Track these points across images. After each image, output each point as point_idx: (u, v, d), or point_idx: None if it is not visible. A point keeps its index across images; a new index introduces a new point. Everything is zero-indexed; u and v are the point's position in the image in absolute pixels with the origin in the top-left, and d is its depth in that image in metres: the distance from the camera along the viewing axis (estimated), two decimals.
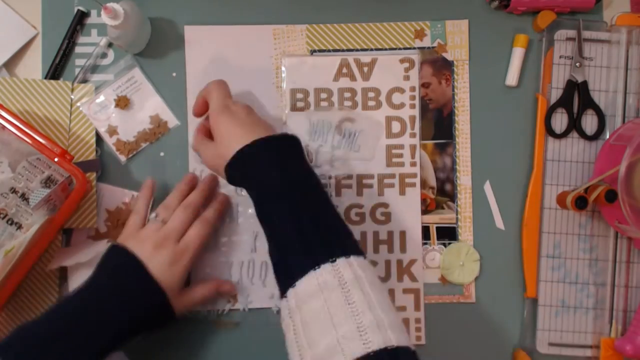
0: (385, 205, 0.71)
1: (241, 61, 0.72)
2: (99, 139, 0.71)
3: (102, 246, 0.67)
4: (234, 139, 0.59)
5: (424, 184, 0.72)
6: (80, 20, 0.71)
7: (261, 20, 0.72)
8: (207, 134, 0.66)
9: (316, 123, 0.72)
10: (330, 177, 0.71)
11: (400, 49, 0.73)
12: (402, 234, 0.71)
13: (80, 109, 0.70)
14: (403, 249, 0.71)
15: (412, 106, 0.72)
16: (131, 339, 0.59)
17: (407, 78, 0.72)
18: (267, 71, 0.72)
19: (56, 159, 0.63)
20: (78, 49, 0.72)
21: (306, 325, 0.50)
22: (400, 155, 0.72)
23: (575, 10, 0.72)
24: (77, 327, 0.55)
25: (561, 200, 0.69)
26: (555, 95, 0.71)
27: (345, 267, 0.51)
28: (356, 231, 0.71)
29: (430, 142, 0.72)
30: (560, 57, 0.71)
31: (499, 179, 0.72)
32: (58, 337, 0.54)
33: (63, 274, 0.69)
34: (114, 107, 0.71)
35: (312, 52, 0.73)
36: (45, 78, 0.70)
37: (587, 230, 0.71)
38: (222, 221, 0.70)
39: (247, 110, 0.63)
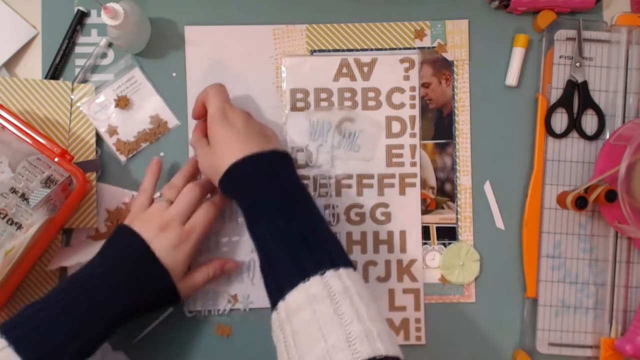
0: (385, 205, 0.71)
1: (241, 61, 0.72)
2: (99, 139, 0.71)
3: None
4: (227, 151, 0.60)
5: (424, 184, 0.72)
6: (80, 20, 0.71)
7: (261, 20, 0.72)
8: (205, 133, 0.66)
9: (316, 123, 0.72)
10: (330, 177, 0.71)
11: (400, 49, 0.73)
12: (402, 234, 0.71)
13: (80, 109, 0.70)
14: (403, 249, 0.71)
15: (412, 106, 0.72)
16: (135, 317, 0.60)
17: (407, 78, 0.72)
18: (267, 71, 0.72)
19: (56, 159, 0.63)
20: (78, 49, 0.72)
21: (296, 336, 0.50)
22: (400, 155, 0.72)
23: (575, 10, 0.72)
24: (80, 305, 0.55)
25: (561, 200, 0.69)
26: (555, 95, 0.71)
27: (334, 279, 0.52)
28: (356, 231, 0.71)
29: (430, 142, 0.72)
30: (560, 57, 0.71)
31: (499, 179, 0.72)
32: (61, 316, 0.54)
33: (63, 274, 0.69)
34: (114, 107, 0.71)
35: (312, 52, 0.73)
36: (45, 78, 0.70)
37: (587, 230, 0.71)
38: (226, 209, 0.70)
39: (244, 118, 0.63)
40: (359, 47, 0.73)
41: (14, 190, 0.66)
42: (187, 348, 0.69)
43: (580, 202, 0.65)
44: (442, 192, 0.72)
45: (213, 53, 0.72)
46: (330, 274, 0.52)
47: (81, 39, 0.72)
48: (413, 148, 0.72)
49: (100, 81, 0.71)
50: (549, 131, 0.71)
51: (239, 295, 0.70)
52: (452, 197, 0.72)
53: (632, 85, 0.71)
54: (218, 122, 0.62)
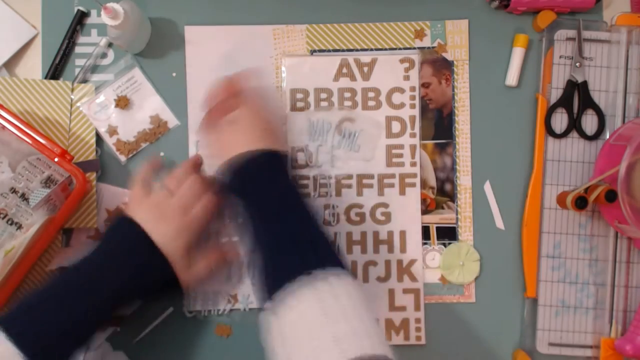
0: (385, 205, 0.71)
1: (241, 61, 0.72)
2: (99, 139, 0.71)
3: None
4: (241, 139, 0.61)
5: (424, 184, 0.72)
6: (80, 20, 0.71)
7: (261, 20, 0.72)
8: (220, 117, 0.65)
9: (316, 123, 0.72)
10: (330, 177, 0.71)
11: (400, 49, 0.73)
12: (402, 234, 0.71)
13: (80, 109, 0.70)
14: (403, 249, 0.71)
15: (412, 106, 0.72)
16: (135, 301, 0.62)
17: (407, 78, 0.72)
18: (267, 71, 0.72)
19: (56, 159, 0.63)
20: (78, 49, 0.72)
21: (285, 338, 0.51)
22: (400, 155, 0.72)
23: (575, 10, 0.72)
24: (79, 296, 0.56)
25: (561, 200, 0.69)
26: (555, 95, 0.71)
27: (321, 279, 0.52)
28: (356, 231, 0.71)
29: (430, 142, 0.72)
30: (560, 57, 0.71)
31: (499, 179, 0.72)
32: (60, 307, 0.55)
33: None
34: (114, 107, 0.71)
35: (312, 52, 0.73)
36: (45, 78, 0.70)
37: (587, 230, 0.71)
38: (227, 209, 0.69)
39: (262, 110, 0.64)
40: (359, 47, 0.73)
41: (14, 190, 0.66)
42: (187, 348, 0.69)
43: (580, 202, 0.65)
44: (442, 192, 0.72)
45: (213, 53, 0.72)
46: (317, 274, 0.52)
47: (81, 39, 0.72)
48: (413, 148, 0.72)
49: (100, 81, 0.71)
50: (549, 131, 0.71)
51: (239, 295, 0.70)
52: (452, 197, 0.72)
53: (632, 85, 0.71)
54: (250, 109, 0.63)
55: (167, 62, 0.72)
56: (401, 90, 0.72)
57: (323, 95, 0.72)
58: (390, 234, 0.71)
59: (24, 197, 0.66)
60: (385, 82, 0.72)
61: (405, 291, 0.71)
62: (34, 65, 0.71)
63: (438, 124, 0.73)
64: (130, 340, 0.68)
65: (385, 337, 0.51)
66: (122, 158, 0.71)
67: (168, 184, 0.64)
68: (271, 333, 0.52)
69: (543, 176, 0.71)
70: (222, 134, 0.63)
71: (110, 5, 0.62)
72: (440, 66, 0.73)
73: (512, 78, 0.72)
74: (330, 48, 0.73)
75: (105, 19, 0.63)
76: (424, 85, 0.73)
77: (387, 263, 0.71)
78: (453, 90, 0.73)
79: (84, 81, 0.71)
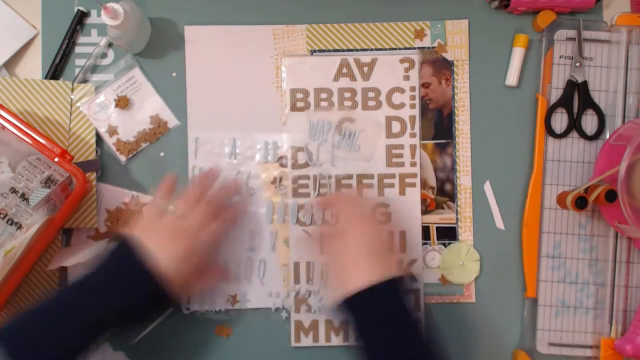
0: (385, 205, 0.71)
1: (241, 61, 0.72)
2: (99, 139, 0.71)
3: (102, 246, 0.67)
4: (353, 272, 0.59)
5: (424, 184, 0.72)
6: (80, 20, 0.71)
7: (261, 20, 0.72)
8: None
9: (316, 123, 0.72)
10: (330, 177, 0.71)
11: (400, 49, 0.73)
12: (402, 234, 0.71)
13: (80, 109, 0.70)
14: (403, 249, 0.71)
15: (412, 106, 0.72)
16: (132, 324, 0.61)
17: (407, 78, 0.72)
18: (267, 71, 0.72)
19: (56, 159, 0.63)
20: (78, 49, 0.72)
21: None
22: (400, 155, 0.72)
23: (575, 10, 0.72)
24: (77, 314, 0.56)
25: (561, 200, 0.69)
26: (555, 95, 0.71)
27: None
28: None
29: (430, 142, 0.72)
30: (560, 57, 0.71)
31: (499, 179, 0.72)
32: (57, 325, 0.55)
33: (63, 274, 0.69)
34: (114, 107, 0.71)
35: (312, 52, 0.73)
36: (45, 78, 0.70)
37: (587, 230, 0.71)
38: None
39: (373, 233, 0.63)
40: (359, 47, 0.73)
41: (14, 190, 0.66)
42: (186, 348, 0.69)
43: (580, 202, 0.65)
44: (442, 192, 0.72)
45: (213, 53, 0.72)
46: None
47: (81, 39, 0.72)
48: (413, 148, 0.72)
49: (100, 81, 0.71)
50: (549, 131, 0.71)
51: (239, 294, 0.70)
52: (452, 197, 0.72)
53: (632, 85, 0.71)
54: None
55: (167, 62, 0.72)
56: (401, 90, 0.72)
57: (323, 95, 0.72)
58: (390, 234, 0.71)
59: (24, 197, 0.66)
60: (385, 82, 0.72)
61: None
62: (34, 65, 0.72)
63: (438, 124, 0.73)
64: (130, 340, 0.68)
65: None
66: (122, 158, 0.71)
67: (180, 207, 0.63)
68: None
69: (543, 176, 0.71)
70: (333, 258, 0.63)
71: (110, 5, 0.62)
72: (440, 66, 0.73)
73: (512, 78, 0.72)
74: (330, 48, 0.73)
75: (105, 19, 0.63)
76: (424, 85, 0.73)
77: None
78: (453, 90, 0.73)
79: (84, 81, 0.71)
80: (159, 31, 0.72)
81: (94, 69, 0.72)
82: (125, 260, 0.59)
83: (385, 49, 0.73)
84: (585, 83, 0.71)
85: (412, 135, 0.72)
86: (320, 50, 0.73)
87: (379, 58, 0.72)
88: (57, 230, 0.65)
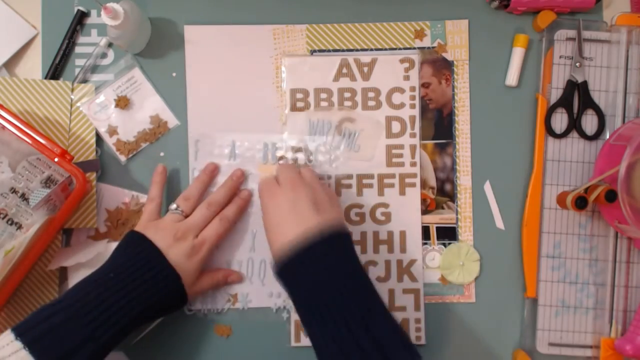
0: (385, 205, 0.71)
1: (241, 61, 0.72)
2: (99, 139, 0.71)
3: (102, 246, 0.67)
4: (279, 232, 0.58)
5: (424, 184, 0.72)
6: (80, 20, 0.71)
7: (261, 20, 0.72)
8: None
9: (316, 123, 0.72)
10: (330, 177, 0.71)
11: (400, 49, 0.73)
12: (402, 234, 0.71)
13: (80, 109, 0.70)
14: (403, 249, 0.71)
15: (412, 106, 0.72)
16: (146, 322, 0.61)
17: (407, 78, 0.72)
18: (267, 71, 0.72)
19: (56, 159, 0.63)
20: (78, 49, 0.72)
21: None
22: (400, 155, 0.72)
23: (575, 10, 0.72)
24: (93, 309, 0.56)
25: (561, 200, 0.69)
26: (555, 95, 0.71)
27: None
28: (356, 231, 0.71)
29: (430, 142, 0.72)
30: (560, 57, 0.71)
31: (499, 179, 0.72)
32: (74, 319, 0.54)
33: (63, 274, 0.69)
34: (114, 107, 0.71)
35: (312, 52, 0.73)
36: (45, 78, 0.70)
37: (587, 230, 0.71)
38: (242, 216, 0.70)
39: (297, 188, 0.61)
40: (359, 47, 0.73)
41: (14, 190, 0.66)
42: (187, 348, 0.69)
43: (580, 202, 0.65)
44: (442, 192, 0.72)
45: (213, 53, 0.72)
46: None
47: (81, 39, 0.72)
48: (413, 148, 0.72)
49: (100, 81, 0.71)
50: (549, 131, 0.71)
51: (239, 294, 0.70)
52: (452, 197, 0.72)
53: (632, 85, 0.71)
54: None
55: (167, 62, 0.72)
56: (401, 90, 0.72)
57: (323, 95, 0.72)
58: (390, 234, 0.71)
59: (24, 197, 0.66)
60: (385, 82, 0.72)
61: (405, 291, 0.71)
62: (34, 65, 0.72)
63: (438, 124, 0.73)
64: (130, 340, 0.68)
65: None
66: (122, 158, 0.71)
67: (182, 205, 0.65)
68: None
69: (543, 176, 0.71)
70: (266, 213, 0.61)
71: (110, 5, 0.62)
72: (440, 66, 0.73)
73: (512, 78, 0.72)
74: (330, 48, 0.73)
75: (105, 19, 0.63)
76: (424, 85, 0.73)
77: (387, 263, 0.71)
78: (453, 90, 0.73)
79: (84, 81, 0.71)
80: (159, 31, 0.72)
81: (94, 69, 0.72)
82: (146, 256, 0.60)
83: (385, 49, 0.73)
84: (585, 83, 0.71)
85: (412, 135, 0.72)
86: (320, 50, 0.73)
87: (379, 58, 0.72)
88: (57, 230, 0.65)
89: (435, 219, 0.72)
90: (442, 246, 0.72)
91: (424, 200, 0.72)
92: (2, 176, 0.66)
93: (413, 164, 0.72)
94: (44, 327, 0.53)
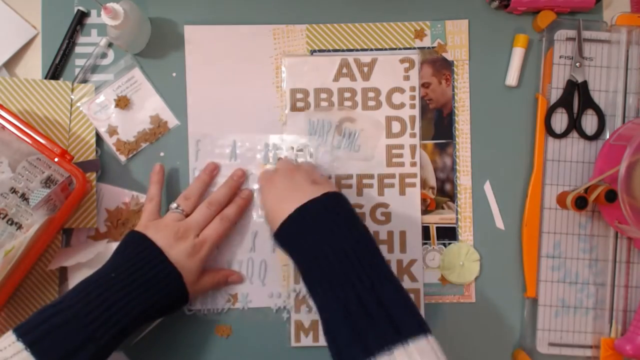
0: (385, 205, 0.71)
1: (241, 61, 0.72)
2: (99, 139, 0.71)
3: (102, 246, 0.67)
4: (280, 207, 0.60)
5: (424, 184, 0.72)
6: (80, 20, 0.71)
7: (261, 20, 0.72)
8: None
9: (316, 123, 0.72)
10: (330, 177, 0.71)
11: (400, 49, 0.73)
12: (402, 234, 0.71)
13: (80, 109, 0.70)
14: (403, 249, 0.71)
15: (412, 106, 0.72)
16: (147, 321, 0.61)
17: (407, 78, 0.72)
18: (267, 71, 0.72)
19: (56, 159, 0.63)
20: (78, 49, 0.72)
21: None
22: (400, 155, 0.72)
23: (575, 10, 0.72)
24: (95, 308, 0.55)
25: (561, 200, 0.69)
26: (555, 95, 0.71)
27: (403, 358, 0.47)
28: None
29: (430, 142, 0.72)
30: (560, 57, 0.71)
31: (499, 179, 0.72)
32: (76, 319, 0.54)
33: (63, 274, 0.69)
34: (114, 107, 0.71)
35: (312, 52, 0.73)
36: (45, 78, 0.70)
37: (587, 230, 0.71)
38: (243, 216, 0.71)
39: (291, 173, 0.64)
40: (359, 47, 0.73)
41: (14, 190, 0.66)
42: (187, 348, 0.69)
43: (580, 202, 0.65)
44: (442, 192, 0.72)
45: (213, 53, 0.72)
46: (399, 353, 0.47)
47: (81, 39, 0.72)
48: (413, 148, 0.72)
49: (100, 81, 0.71)
50: (549, 131, 0.71)
51: (239, 294, 0.70)
52: (452, 197, 0.72)
53: (632, 85, 0.71)
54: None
55: (167, 62, 0.72)
56: (401, 90, 0.72)
57: (323, 95, 0.72)
58: (390, 234, 0.71)
59: (24, 197, 0.66)
60: (385, 82, 0.72)
61: None
62: (34, 65, 0.72)
63: (438, 124, 0.73)
64: (130, 340, 0.68)
65: None
66: (122, 158, 0.71)
67: (182, 204, 0.66)
68: None
69: (543, 176, 0.71)
70: (265, 196, 0.64)
71: (110, 5, 0.62)
72: (440, 66, 0.73)
73: (512, 78, 0.72)
74: (330, 48, 0.73)
75: (105, 19, 0.63)
76: (424, 85, 0.73)
77: (387, 263, 0.71)
78: (453, 90, 0.73)
79: (84, 81, 0.71)
80: (159, 31, 0.72)
81: (94, 69, 0.72)
82: (147, 255, 0.60)
83: (385, 49, 0.73)
84: (585, 83, 0.71)
85: (412, 135, 0.72)
86: (320, 50, 0.73)
87: (379, 58, 0.72)
88: (57, 230, 0.65)
89: (435, 219, 0.72)
90: (442, 246, 0.72)
91: (424, 200, 0.72)
92: (2, 176, 0.66)
93: (413, 164, 0.72)
94: (45, 328, 0.53)
